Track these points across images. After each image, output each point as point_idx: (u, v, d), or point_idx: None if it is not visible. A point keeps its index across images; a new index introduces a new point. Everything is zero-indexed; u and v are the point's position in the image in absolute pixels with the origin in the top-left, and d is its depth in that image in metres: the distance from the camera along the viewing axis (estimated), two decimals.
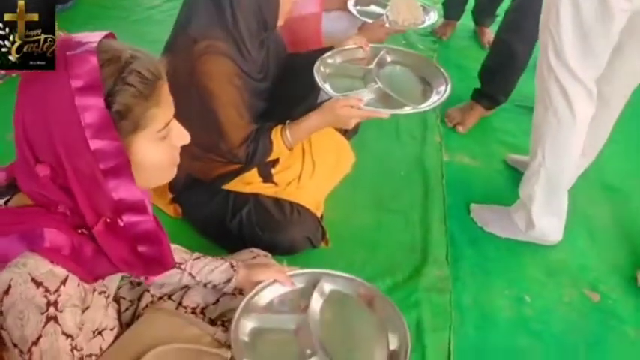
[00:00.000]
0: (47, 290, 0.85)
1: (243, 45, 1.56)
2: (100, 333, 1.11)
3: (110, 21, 3.14)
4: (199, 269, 1.25)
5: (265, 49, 1.70)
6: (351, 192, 2.05)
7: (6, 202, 0.95)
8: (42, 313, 0.85)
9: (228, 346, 1.20)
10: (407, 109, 1.60)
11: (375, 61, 1.76)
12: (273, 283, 1.26)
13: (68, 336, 0.88)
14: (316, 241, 1.77)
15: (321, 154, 1.94)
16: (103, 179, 0.86)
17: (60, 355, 0.87)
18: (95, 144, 0.83)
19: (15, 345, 0.87)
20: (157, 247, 0.98)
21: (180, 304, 1.30)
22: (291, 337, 1.17)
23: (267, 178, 1.82)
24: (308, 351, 1.12)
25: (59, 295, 0.86)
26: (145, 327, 1.19)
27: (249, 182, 1.78)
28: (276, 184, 1.82)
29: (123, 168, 0.87)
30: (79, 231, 0.91)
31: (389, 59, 1.83)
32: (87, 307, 0.96)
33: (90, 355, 1.08)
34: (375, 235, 1.93)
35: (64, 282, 0.87)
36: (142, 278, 1.24)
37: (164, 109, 0.91)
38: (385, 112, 1.58)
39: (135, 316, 1.27)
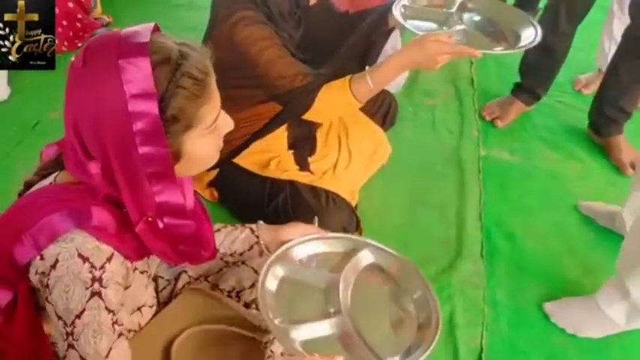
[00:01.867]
0: (93, 266, 0.88)
1: (276, 21, 1.56)
2: (139, 309, 1.14)
3: (151, 6, 3.18)
4: (220, 242, 1.24)
5: (304, 27, 1.69)
6: (387, 183, 2.04)
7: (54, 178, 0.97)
8: (87, 288, 0.88)
9: (262, 330, 1.22)
10: (498, 50, 1.56)
11: (456, 6, 1.70)
12: (307, 241, 1.23)
13: (110, 311, 0.91)
14: (350, 230, 1.77)
15: (357, 145, 1.94)
16: (147, 182, 0.88)
17: (101, 329, 0.90)
18: (144, 149, 0.85)
19: (59, 317, 0.90)
20: (195, 247, 1.00)
21: (216, 286, 1.31)
22: (319, 294, 1.15)
23: (303, 166, 1.82)
24: (332, 309, 1.10)
25: (104, 272, 0.89)
26: (181, 306, 1.22)
27: (286, 169, 1.78)
28: (312, 172, 1.82)
29: (167, 174, 0.89)
30: (124, 210, 0.93)
31: (469, 5, 1.75)
32: (129, 286, 0.99)
33: (129, 331, 1.10)
34: (409, 227, 1.92)
35: (109, 259, 0.90)
36: None
37: (213, 104, 0.93)
38: (478, 51, 1.48)
39: (172, 295, 1.30)
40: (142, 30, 0.88)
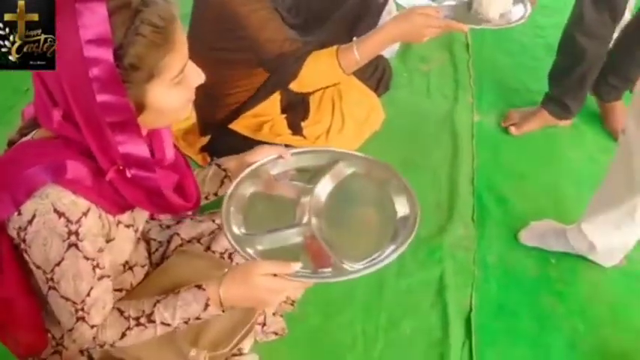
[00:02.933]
0: (69, 221, 0.88)
1: None
2: (130, 268, 1.15)
3: None
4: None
5: None
6: (380, 148, 2.02)
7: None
8: (64, 241, 0.89)
9: None
10: (485, 25, 1.57)
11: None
12: (279, 158, 1.20)
13: (88, 259, 0.93)
14: None
15: (350, 110, 1.93)
16: (109, 131, 0.86)
17: (81, 274, 0.93)
18: (102, 97, 0.83)
19: (38, 267, 0.92)
20: (165, 200, 0.99)
21: (208, 248, 1.32)
22: (291, 206, 1.13)
23: (296, 130, 1.82)
24: (303, 219, 1.09)
25: (80, 226, 0.89)
26: (174, 267, 1.22)
27: (279, 134, 1.78)
28: (305, 137, 1.82)
29: (129, 124, 0.87)
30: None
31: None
32: (112, 239, 0.99)
33: (120, 290, 1.12)
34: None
35: (85, 213, 0.90)
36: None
37: (178, 54, 0.90)
38: (464, 25, 1.49)
39: (164, 258, 1.30)
40: None
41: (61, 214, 0.87)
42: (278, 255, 1.03)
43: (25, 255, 0.92)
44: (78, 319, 0.97)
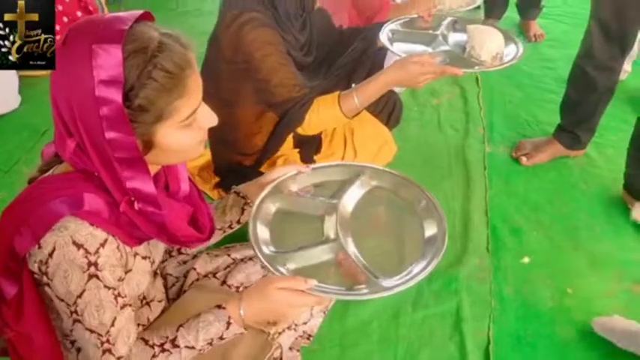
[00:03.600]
0: (87, 252, 0.90)
1: (282, 22, 1.58)
2: (148, 304, 1.16)
3: (158, 12, 3.20)
4: (216, 216, 1.24)
5: (309, 29, 1.73)
6: None
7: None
8: (84, 272, 0.91)
9: (271, 323, 1.23)
10: (477, 68, 1.62)
11: (442, 27, 1.77)
12: (296, 175, 1.22)
13: (109, 288, 0.94)
14: None
15: (362, 143, 1.95)
16: (118, 166, 0.89)
17: (103, 304, 0.94)
18: (110, 134, 0.86)
19: (61, 300, 0.93)
20: (177, 233, 1.01)
21: (224, 282, 1.33)
22: (316, 222, 1.13)
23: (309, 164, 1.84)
24: (330, 236, 1.10)
25: (99, 257, 0.91)
26: (190, 301, 1.23)
27: None
28: None
29: (136, 161, 0.89)
30: None
31: (457, 26, 1.83)
32: (130, 270, 1.01)
33: (138, 325, 1.13)
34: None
35: (102, 244, 0.92)
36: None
37: (189, 99, 0.91)
38: (459, 70, 1.53)
39: (181, 292, 1.32)
40: (125, 16, 0.89)
41: (79, 246, 0.89)
42: (310, 273, 1.03)
43: (47, 289, 0.93)
44: (104, 351, 0.97)
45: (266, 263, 1.05)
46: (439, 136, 2.38)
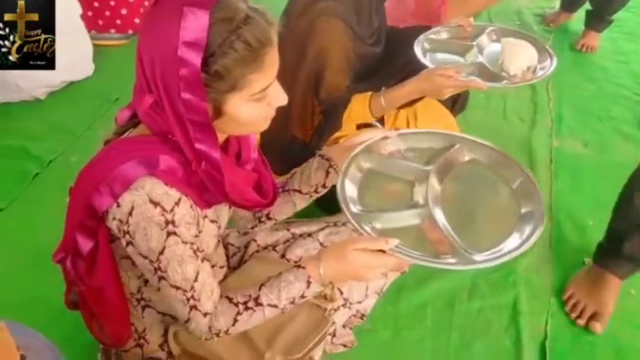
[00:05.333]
0: (164, 209, 0.94)
1: (361, 8, 1.58)
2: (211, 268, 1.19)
3: None
4: (299, 182, 1.25)
5: (380, 16, 1.72)
6: None
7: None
8: (162, 229, 0.94)
9: (328, 298, 1.24)
10: (504, 83, 1.59)
11: (478, 39, 1.75)
12: (385, 138, 1.20)
13: (188, 243, 0.98)
14: None
15: (425, 127, 1.93)
16: (190, 126, 0.91)
17: (184, 259, 0.98)
18: (185, 95, 0.88)
19: (145, 257, 0.97)
20: (240, 198, 1.04)
21: (283, 255, 1.35)
22: (406, 186, 1.12)
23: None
24: (419, 201, 1.08)
25: (174, 215, 0.94)
26: (252, 270, 1.27)
27: None
28: None
29: (206, 126, 0.92)
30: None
31: (494, 37, 1.80)
32: (200, 232, 1.03)
33: None
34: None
35: (177, 203, 0.95)
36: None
37: (264, 74, 0.94)
38: (482, 84, 1.56)
39: (241, 262, 1.35)
40: None
41: (156, 204, 0.93)
42: (394, 235, 1.01)
43: (130, 248, 0.97)
44: (191, 307, 1.01)
45: (352, 220, 1.04)
46: (505, 125, 2.33)
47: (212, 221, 1.08)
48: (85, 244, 1.01)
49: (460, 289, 1.65)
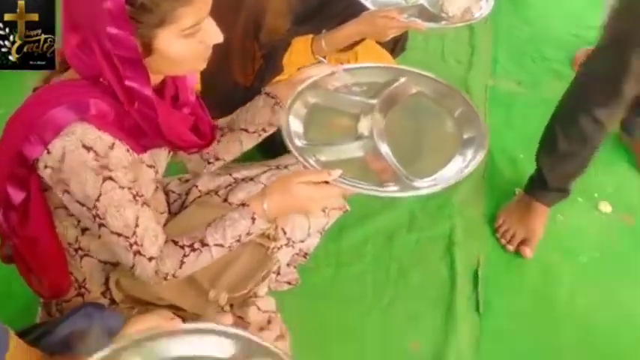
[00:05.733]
0: (97, 154, 0.93)
1: None
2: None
3: None
4: (245, 121, 1.24)
5: None
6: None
7: None
8: (97, 175, 0.94)
9: (271, 237, 1.29)
10: (443, 24, 1.60)
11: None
12: (331, 74, 1.20)
13: (125, 188, 0.98)
14: None
15: None
16: (119, 64, 0.89)
17: (123, 204, 0.97)
18: (112, 30, 0.86)
19: (82, 204, 0.97)
20: (177, 140, 1.04)
21: (225, 200, 1.37)
22: (351, 120, 1.14)
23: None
24: (365, 133, 1.10)
25: (109, 159, 0.94)
26: (193, 214, 1.28)
27: None
28: None
29: (136, 63, 0.90)
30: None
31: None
32: (136, 179, 1.03)
33: None
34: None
35: (111, 147, 0.95)
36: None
37: (195, 9, 0.91)
38: (422, 24, 1.57)
39: (182, 208, 1.36)
40: None
41: (89, 149, 0.92)
42: (339, 167, 1.03)
43: (66, 195, 0.97)
44: (134, 253, 1.02)
45: (295, 153, 1.05)
46: (443, 67, 2.37)
47: (149, 166, 1.08)
48: (17, 195, 0.99)
49: (399, 223, 1.72)
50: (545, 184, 1.69)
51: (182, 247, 1.06)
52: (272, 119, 1.22)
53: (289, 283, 1.52)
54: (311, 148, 1.09)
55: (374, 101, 1.15)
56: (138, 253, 1.02)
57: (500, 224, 1.73)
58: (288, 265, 1.50)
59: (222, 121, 1.29)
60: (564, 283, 1.63)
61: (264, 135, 1.26)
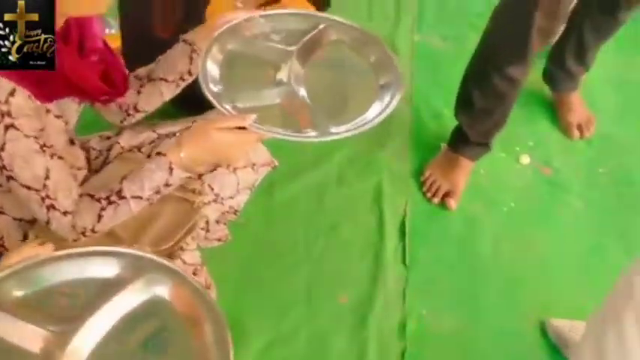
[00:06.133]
0: None
1: None
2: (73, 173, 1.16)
3: None
4: (164, 71, 1.21)
5: None
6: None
7: None
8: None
9: (196, 192, 1.26)
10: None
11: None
12: (249, 19, 1.18)
13: (31, 137, 0.93)
14: None
15: None
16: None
17: (30, 155, 0.93)
18: None
19: None
20: (86, 89, 1.01)
21: (149, 156, 1.33)
22: (269, 67, 1.13)
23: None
24: (284, 79, 1.10)
25: (10, 106, 0.90)
26: (115, 170, 1.23)
27: None
28: None
29: None
30: None
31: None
32: (43, 127, 0.99)
33: None
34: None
35: (11, 93, 0.90)
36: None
37: None
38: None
39: (104, 165, 1.31)
40: None
41: None
42: (258, 114, 1.01)
43: None
44: (48, 207, 0.98)
45: (212, 99, 1.03)
46: (370, 25, 2.37)
47: (57, 117, 1.03)
48: None
49: (328, 179, 1.74)
50: (467, 140, 1.74)
51: (99, 200, 1.03)
52: (190, 67, 1.19)
53: (219, 239, 1.50)
54: (228, 94, 1.07)
55: (292, 48, 1.15)
56: (52, 207, 0.98)
57: (425, 178, 1.78)
58: (217, 222, 1.48)
59: (141, 71, 1.24)
60: (487, 232, 1.71)
61: (183, 84, 1.22)
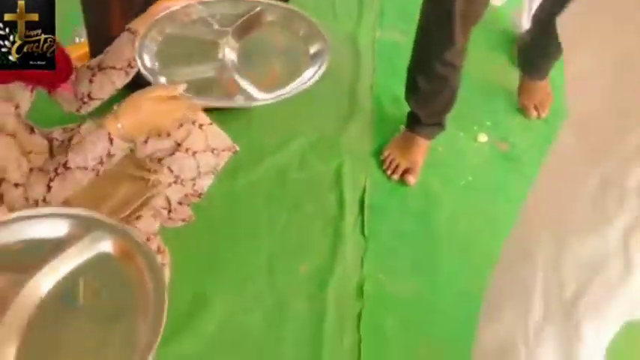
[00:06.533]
0: None
1: None
2: (26, 154, 1.21)
3: None
4: (112, 58, 1.25)
5: None
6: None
7: None
8: None
9: (151, 170, 1.33)
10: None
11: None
12: (187, 6, 1.24)
13: None
14: None
15: None
16: None
17: None
18: None
19: None
20: (27, 75, 1.03)
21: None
22: (206, 45, 1.20)
23: None
24: (218, 56, 1.17)
25: None
26: None
27: None
28: None
29: None
30: None
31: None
32: None
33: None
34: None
35: None
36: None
37: None
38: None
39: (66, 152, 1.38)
40: None
41: None
42: (191, 87, 1.08)
43: None
44: None
45: (147, 74, 1.10)
46: (334, 23, 2.45)
47: (4, 99, 1.07)
48: None
49: (291, 163, 1.81)
50: (420, 121, 1.83)
51: (47, 171, 1.08)
52: (135, 54, 1.24)
53: (184, 220, 1.56)
54: (164, 71, 1.14)
55: (228, 29, 1.22)
56: (2, 180, 1.04)
57: (385, 157, 1.85)
58: (180, 203, 1.54)
59: (93, 61, 1.30)
60: (445, 204, 1.77)
61: (132, 71, 1.28)
